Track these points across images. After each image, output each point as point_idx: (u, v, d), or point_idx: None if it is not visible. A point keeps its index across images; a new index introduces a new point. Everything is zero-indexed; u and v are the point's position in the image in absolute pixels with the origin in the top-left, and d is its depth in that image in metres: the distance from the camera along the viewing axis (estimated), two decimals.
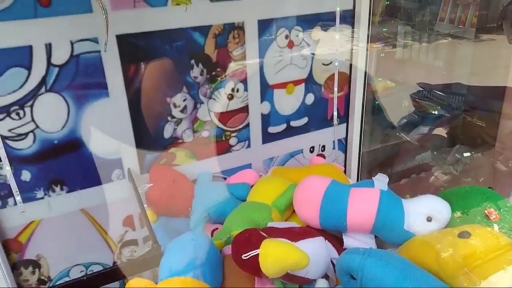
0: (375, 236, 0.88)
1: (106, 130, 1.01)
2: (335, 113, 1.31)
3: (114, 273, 0.81)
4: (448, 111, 2.04)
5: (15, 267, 1.02)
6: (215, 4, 1.03)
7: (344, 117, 1.35)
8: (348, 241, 0.85)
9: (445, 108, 2.04)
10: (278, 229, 0.79)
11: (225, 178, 1.20)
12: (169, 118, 1.07)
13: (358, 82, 1.29)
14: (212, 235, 0.97)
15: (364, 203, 0.84)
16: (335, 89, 1.28)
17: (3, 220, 0.97)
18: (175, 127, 1.09)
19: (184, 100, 1.07)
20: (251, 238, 0.70)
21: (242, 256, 0.68)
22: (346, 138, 1.38)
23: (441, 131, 2.04)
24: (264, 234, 0.73)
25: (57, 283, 1.04)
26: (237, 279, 0.77)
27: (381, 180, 0.88)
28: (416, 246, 0.77)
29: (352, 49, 1.26)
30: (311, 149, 1.33)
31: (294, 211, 0.94)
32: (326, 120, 1.32)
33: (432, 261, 0.71)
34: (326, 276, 0.79)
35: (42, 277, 1.05)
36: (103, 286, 0.86)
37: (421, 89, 2.13)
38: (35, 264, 1.04)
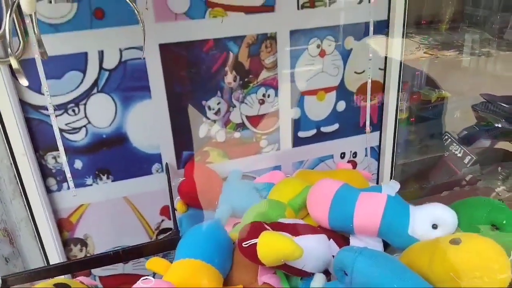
0: (383, 241, 0.90)
1: (148, 128, 1.14)
2: (368, 121, 1.34)
3: (138, 251, 0.92)
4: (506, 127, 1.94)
5: (66, 244, 1.18)
6: (249, 16, 1.12)
7: (377, 125, 1.37)
8: (355, 242, 0.89)
9: (510, 121, 1.95)
10: (283, 224, 0.85)
11: (254, 178, 1.28)
12: (204, 119, 1.18)
13: (392, 91, 1.30)
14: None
15: (370, 207, 0.87)
16: (368, 97, 1.31)
17: (58, 201, 1.13)
18: (209, 128, 1.19)
19: (218, 103, 1.17)
20: (254, 229, 0.78)
21: (243, 244, 0.75)
22: (379, 146, 1.40)
23: (506, 145, 1.95)
24: (267, 227, 0.80)
25: None
26: (243, 267, 0.84)
27: (390, 186, 0.90)
28: (414, 251, 0.79)
29: (386, 58, 1.28)
30: (342, 155, 1.37)
31: (307, 212, 1.00)
32: (358, 127, 1.35)
33: (425, 265, 0.73)
34: (327, 272, 0.84)
35: (88, 255, 1.20)
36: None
37: (484, 100, 2.05)
38: (83, 243, 1.19)
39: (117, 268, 1.25)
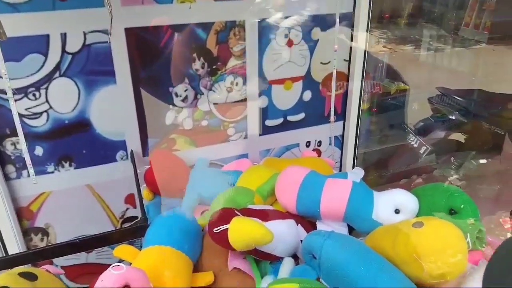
0: (348, 225, 0.94)
1: (112, 114, 1.11)
2: (332, 111, 1.37)
3: (104, 239, 0.90)
4: (466, 117, 2.05)
5: (26, 233, 1.13)
6: (218, 3, 1.11)
7: (341, 115, 1.41)
8: (321, 227, 0.92)
9: (463, 114, 2.05)
10: (253, 210, 0.87)
11: (222, 166, 1.28)
12: (170, 106, 1.17)
13: (356, 81, 1.34)
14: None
15: (336, 192, 0.90)
16: (333, 87, 1.34)
17: (18, 189, 1.08)
18: (176, 115, 1.18)
19: (186, 90, 1.16)
20: (225, 214, 0.79)
21: (214, 230, 0.76)
22: (342, 135, 1.44)
23: (459, 137, 2.05)
24: (237, 213, 0.81)
25: None
26: (213, 253, 0.85)
27: (355, 173, 0.94)
28: (378, 234, 0.83)
29: (350, 50, 1.32)
30: (307, 144, 1.40)
31: (276, 199, 1.01)
32: (323, 116, 1.38)
33: (389, 248, 0.76)
34: (295, 256, 0.86)
35: (49, 244, 1.16)
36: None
37: (440, 93, 2.15)
38: (44, 232, 1.15)
39: (80, 258, 1.22)
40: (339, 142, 1.45)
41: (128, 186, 1.20)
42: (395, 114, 1.98)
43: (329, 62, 1.31)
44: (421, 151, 1.92)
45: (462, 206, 0.83)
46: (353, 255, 0.74)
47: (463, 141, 2.07)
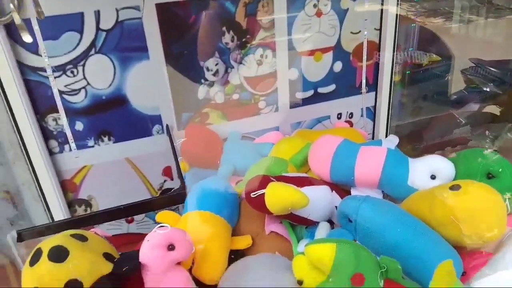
0: (383, 192, 0.94)
1: (147, 90, 1.14)
2: (363, 81, 1.36)
3: (146, 205, 0.95)
4: (501, 88, 1.98)
5: (71, 205, 1.19)
6: None
7: (373, 86, 1.39)
8: (356, 194, 0.93)
9: (498, 85, 1.99)
10: (288, 177, 0.88)
11: (253, 139, 1.30)
12: (202, 81, 1.19)
13: (387, 51, 1.32)
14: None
15: (371, 159, 0.90)
16: (364, 57, 1.32)
17: (61, 163, 1.14)
18: (208, 89, 1.20)
19: (216, 64, 1.18)
20: (262, 180, 0.81)
21: (251, 195, 0.78)
22: (374, 107, 1.43)
23: (493, 109, 1.99)
24: (273, 179, 0.82)
25: None
26: (250, 218, 0.88)
27: (390, 140, 0.94)
28: (414, 199, 0.83)
29: (381, 19, 1.29)
30: (339, 116, 1.40)
31: (309, 168, 1.02)
32: (354, 87, 1.37)
33: (425, 211, 0.77)
34: (330, 222, 0.87)
35: None
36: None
37: (473, 65, 2.08)
38: (87, 204, 1.21)
39: (122, 228, 1.27)
40: (371, 113, 1.43)
41: (165, 159, 1.23)
42: (428, 86, 1.94)
43: (359, 31, 1.29)
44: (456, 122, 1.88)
45: (500, 170, 0.82)
46: (389, 217, 0.75)
47: (498, 113, 2.01)
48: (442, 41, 2.08)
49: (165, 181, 1.27)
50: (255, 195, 0.77)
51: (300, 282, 0.70)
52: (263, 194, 0.77)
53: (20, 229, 0.88)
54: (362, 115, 1.43)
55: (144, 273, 0.69)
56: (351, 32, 1.29)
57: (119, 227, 1.25)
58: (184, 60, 1.14)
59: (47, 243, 0.69)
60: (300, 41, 1.24)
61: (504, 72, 2.06)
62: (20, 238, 0.86)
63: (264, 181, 0.80)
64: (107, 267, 0.68)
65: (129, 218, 1.28)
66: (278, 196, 0.76)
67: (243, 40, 1.17)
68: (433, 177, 0.88)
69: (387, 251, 0.71)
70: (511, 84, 1.99)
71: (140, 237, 0.73)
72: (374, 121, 1.45)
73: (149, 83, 1.13)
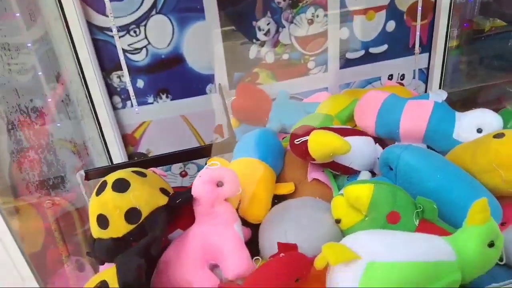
0: (428, 147, 0.94)
1: (202, 49, 1.20)
2: (417, 41, 1.33)
3: (199, 151, 1.02)
4: None
5: (131, 157, 1.30)
6: None
7: (427, 47, 1.36)
8: None
9: None
10: (332, 127, 0.91)
11: (301, 99, 1.33)
12: (254, 40, 1.23)
13: (443, 10, 1.28)
14: None
15: (417, 112, 0.91)
16: (418, 16, 1.29)
17: (124, 118, 1.25)
18: (259, 49, 1.24)
19: (268, 24, 1.21)
20: (305, 128, 0.85)
21: (295, 141, 0.82)
22: (428, 69, 1.40)
23: None
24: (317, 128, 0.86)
25: None
26: (294, 166, 0.92)
27: (438, 94, 0.93)
28: (458, 149, 0.83)
29: None
30: (390, 77, 1.39)
31: (355, 124, 1.04)
32: (407, 48, 1.35)
33: (468, 159, 0.77)
34: (372, 173, 0.90)
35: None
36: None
37: None
38: (145, 157, 1.31)
39: (176, 181, 1.37)
40: (424, 76, 1.41)
41: (217, 117, 1.30)
42: (489, 53, 1.84)
43: None
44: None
45: None
46: (430, 164, 0.76)
47: None
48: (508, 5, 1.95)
49: (216, 138, 1.35)
50: (298, 142, 0.81)
51: (338, 221, 0.74)
52: (306, 140, 0.80)
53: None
54: (414, 77, 1.40)
55: (195, 206, 0.76)
56: None
57: (174, 180, 1.35)
58: (237, 20, 1.19)
59: (111, 176, 0.78)
60: None
61: None
62: (87, 177, 0.97)
63: (308, 129, 0.83)
64: (163, 200, 0.77)
65: (183, 172, 1.37)
66: (320, 142, 0.79)
67: None
68: (479, 130, 0.87)
69: (426, 197, 0.73)
70: None
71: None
72: (426, 83, 1.42)
73: (204, 43, 1.19)
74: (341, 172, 0.88)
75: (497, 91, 1.69)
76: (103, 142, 1.23)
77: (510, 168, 0.70)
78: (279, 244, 0.67)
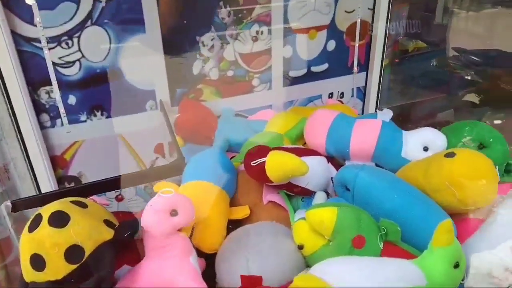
0: (376, 165, 0.96)
1: (142, 64, 1.13)
2: (355, 61, 1.38)
3: (143, 176, 0.94)
4: (482, 77, 2.03)
5: (60, 181, 1.18)
6: None
7: (365, 66, 1.41)
8: None
9: (479, 74, 2.04)
10: (285, 147, 0.89)
11: (246, 117, 1.30)
12: (197, 55, 1.18)
13: (380, 31, 1.34)
14: None
15: (366, 131, 0.92)
16: (357, 36, 1.34)
17: (52, 138, 1.12)
18: (203, 65, 1.20)
19: (212, 39, 1.17)
20: (262, 149, 0.81)
21: (251, 163, 0.79)
22: (365, 87, 1.45)
23: (473, 98, 2.05)
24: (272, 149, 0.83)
25: None
26: (248, 189, 0.89)
27: (384, 113, 0.96)
28: (408, 168, 0.85)
29: None
30: (330, 95, 1.41)
31: (304, 142, 1.04)
32: (346, 67, 1.39)
33: (420, 178, 0.79)
34: (326, 192, 0.89)
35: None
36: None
37: (456, 53, 2.12)
38: (77, 181, 1.19)
39: (111, 206, 1.26)
40: (362, 94, 1.45)
41: (157, 136, 1.23)
42: (414, 71, 1.98)
43: (353, 10, 1.30)
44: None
45: (491, 140, 0.84)
46: (387, 184, 0.77)
47: (477, 102, 2.07)
48: (430, 28, 2.13)
49: (157, 158, 1.27)
50: (255, 163, 0.78)
51: (300, 247, 0.71)
52: (264, 162, 0.77)
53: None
54: (352, 95, 1.45)
55: (145, 239, 0.69)
56: (345, 11, 1.30)
57: (108, 206, 1.24)
58: (180, 33, 1.14)
59: (47, 209, 0.68)
60: (295, 18, 1.24)
61: (485, 60, 2.12)
62: (15, 208, 0.85)
63: (264, 150, 0.81)
64: (108, 233, 0.68)
65: (119, 196, 1.27)
66: (279, 164, 0.77)
67: (239, 15, 1.17)
68: (425, 148, 0.90)
69: (384, 217, 0.73)
70: (490, 74, 2.05)
71: (130, 215, 0.73)
72: (363, 101, 1.47)
73: (144, 57, 1.12)
74: (297, 193, 0.86)
75: (427, 107, 1.81)
76: (28, 165, 1.09)
77: (463, 187, 0.72)
78: (242, 277, 0.63)
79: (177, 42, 1.14)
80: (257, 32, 1.21)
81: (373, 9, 1.32)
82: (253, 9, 1.18)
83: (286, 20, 1.23)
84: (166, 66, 1.16)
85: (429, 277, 0.58)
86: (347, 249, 0.67)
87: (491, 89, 2.03)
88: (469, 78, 2.05)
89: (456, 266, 0.59)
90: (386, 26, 1.33)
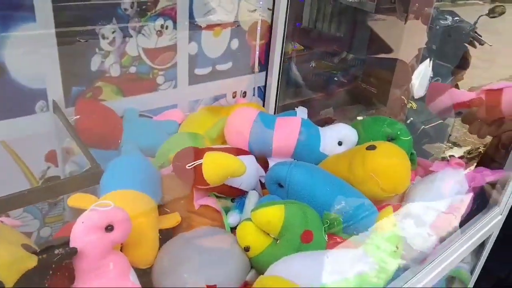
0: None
1: (32, 57, 0.96)
2: (256, 60, 1.40)
3: (51, 189, 0.81)
4: (346, 77, 2.29)
5: None
6: None
7: (265, 66, 1.44)
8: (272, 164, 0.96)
9: (345, 76, 2.29)
10: (216, 148, 0.86)
11: (151, 117, 1.22)
12: (96, 50, 1.06)
13: (279, 32, 1.38)
14: None
15: (287, 129, 0.95)
16: (257, 36, 1.36)
17: None
18: (103, 60, 1.08)
19: (113, 32, 1.07)
20: (194, 151, 0.77)
21: (187, 166, 0.74)
22: (265, 86, 1.48)
23: (344, 96, 2.28)
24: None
25: None
26: (174, 193, 0.83)
27: (302, 111, 0.99)
28: (330, 162, 0.90)
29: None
30: (234, 94, 1.41)
31: (223, 141, 1.02)
32: (248, 66, 1.40)
33: (344, 171, 0.84)
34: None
35: None
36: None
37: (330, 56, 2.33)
38: None
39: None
40: (262, 93, 1.49)
41: (49, 142, 1.07)
42: (296, 72, 2.11)
43: (255, 10, 1.32)
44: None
45: (398, 133, 0.94)
46: (318, 178, 0.80)
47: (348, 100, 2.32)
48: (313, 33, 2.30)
49: (48, 168, 1.10)
50: (191, 166, 0.73)
51: (247, 249, 0.70)
52: (200, 164, 0.73)
53: None
54: (254, 94, 1.47)
55: (77, 261, 0.60)
56: (248, 10, 1.31)
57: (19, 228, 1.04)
58: (76, 24, 1.00)
59: None
60: (201, 14, 1.20)
61: (348, 62, 2.39)
62: None
63: (197, 151, 0.76)
64: (31, 260, 0.57)
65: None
66: (217, 165, 0.74)
67: (143, 7, 1.09)
68: (340, 143, 0.97)
69: (317, 210, 0.76)
70: (353, 74, 2.32)
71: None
72: (264, 100, 1.51)
73: (33, 50, 0.96)
74: (229, 194, 0.83)
75: (320, 104, 1.94)
76: None
77: (386, 176, 0.79)
78: None
79: (73, 33, 1.01)
80: (161, 26, 1.14)
81: (273, 10, 1.36)
82: (158, 1, 1.11)
83: (191, 16, 1.19)
84: (59, 61, 1.01)
85: (379, 261, 0.62)
86: (296, 245, 0.68)
87: (354, 89, 2.31)
88: (336, 79, 2.29)
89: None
90: (284, 27, 1.38)
